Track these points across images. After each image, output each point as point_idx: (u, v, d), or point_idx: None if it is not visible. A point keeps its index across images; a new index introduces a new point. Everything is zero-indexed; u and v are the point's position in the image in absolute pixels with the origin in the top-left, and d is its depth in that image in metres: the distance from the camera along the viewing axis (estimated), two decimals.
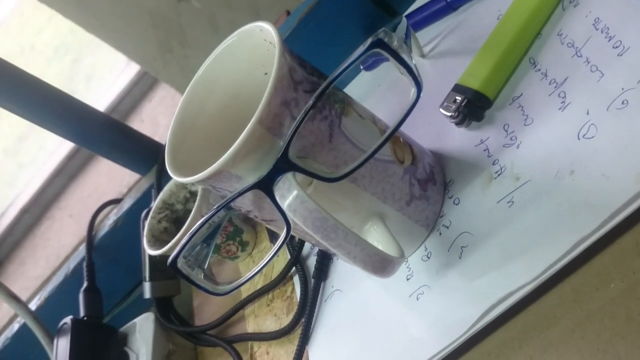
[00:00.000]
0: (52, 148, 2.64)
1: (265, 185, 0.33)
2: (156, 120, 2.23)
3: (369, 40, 0.31)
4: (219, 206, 0.35)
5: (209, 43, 0.41)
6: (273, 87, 0.32)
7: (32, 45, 3.41)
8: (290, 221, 0.34)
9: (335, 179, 0.34)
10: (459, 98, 0.42)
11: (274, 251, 0.35)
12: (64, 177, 2.57)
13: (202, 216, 0.35)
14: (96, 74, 2.88)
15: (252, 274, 0.36)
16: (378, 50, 0.31)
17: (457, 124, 0.43)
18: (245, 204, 0.37)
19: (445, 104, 0.43)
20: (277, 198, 0.33)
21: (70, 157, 2.54)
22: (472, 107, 0.42)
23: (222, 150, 0.33)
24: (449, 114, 0.42)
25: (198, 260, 0.41)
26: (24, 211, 2.62)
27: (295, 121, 0.32)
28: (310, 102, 0.32)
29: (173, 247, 0.51)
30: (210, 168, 0.33)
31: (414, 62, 0.31)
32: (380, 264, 0.34)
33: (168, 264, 0.36)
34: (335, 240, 0.33)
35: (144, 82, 2.40)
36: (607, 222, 0.32)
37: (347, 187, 0.37)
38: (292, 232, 0.36)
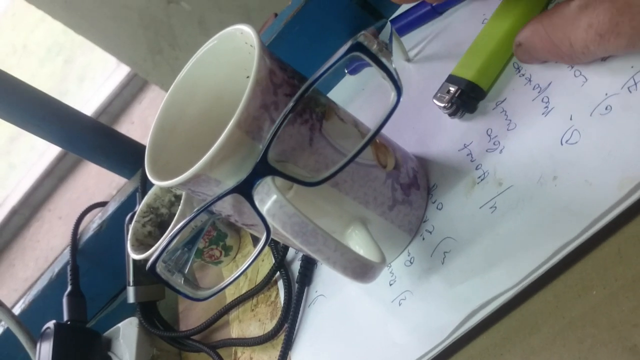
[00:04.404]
0: (42, 149, 2.63)
1: (244, 190, 0.33)
2: (146, 121, 2.22)
3: (348, 44, 0.30)
4: (198, 210, 0.34)
5: (199, 45, 0.41)
6: (252, 90, 0.32)
7: (25, 45, 3.40)
8: (270, 226, 0.34)
9: (314, 183, 0.33)
10: (452, 88, 0.41)
11: (253, 257, 0.35)
12: (53, 179, 2.56)
13: None
14: (88, 75, 2.87)
15: (232, 279, 0.36)
16: (357, 54, 0.30)
17: (450, 114, 0.42)
18: (225, 208, 0.37)
19: (439, 94, 0.42)
20: (257, 202, 0.33)
21: (60, 159, 2.53)
22: (466, 97, 0.41)
23: (203, 154, 0.32)
24: (442, 104, 0.41)
25: (178, 265, 0.40)
26: (14, 212, 2.61)
27: (275, 124, 0.32)
28: (290, 105, 0.31)
29: (156, 251, 0.51)
30: (188, 172, 0.32)
31: (394, 65, 0.31)
32: (361, 270, 0.34)
33: (147, 268, 0.35)
34: (314, 245, 0.33)
35: (134, 83, 2.39)
36: (589, 228, 0.31)
37: (329, 192, 0.36)
38: (274, 237, 0.36)
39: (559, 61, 0.35)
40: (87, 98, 2.54)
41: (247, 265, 0.35)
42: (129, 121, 2.32)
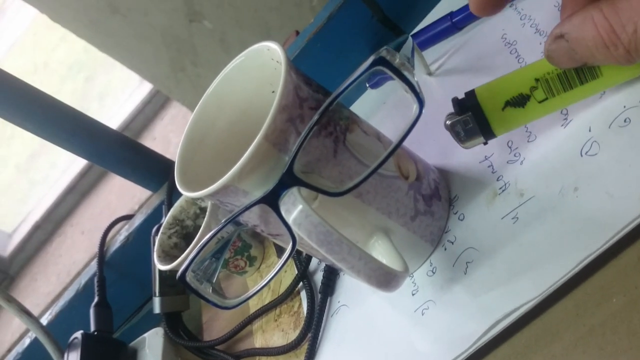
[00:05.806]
0: (64, 166, 2.67)
1: (271, 200, 0.34)
2: (168, 138, 2.25)
3: (371, 58, 0.31)
4: (227, 220, 0.35)
5: (221, 62, 0.42)
6: (279, 104, 0.33)
7: (46, 63, 3.44)
8: (295, 235, 0.35)
9: (339, 193, 0.34)
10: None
11: (280, 265, 0.36)
12: (76, 195, 2.59)
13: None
14: (109, 93, 2.90)
15: (258, 288, 0.37)
16: (380, 67, 0.31)
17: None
18: (252, 218, 0.38)
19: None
20: (283, 212, 0.34)
21: (82, 175, 2.56)
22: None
23: (230, 166, 0.33)
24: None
25: (207, 275, 0.41)
26: (36, 227, 2.64)
27: (300, 137, 0.33)
28: (315, 118, 0.33)
29: (182, 262, 0.52)
30: (217, 183, 0.33)
31: (416, 79, 0.32)
32: (384, 278, 0.35)
33: (177, 277, 0.36)
34: (339, 254, 0.34)
35: (156, 100, 2.42)
36: (611, 239, 0.32)
37: (352, 202, 0.37)
38: (298, 247, 0.36)
39: (607, 59, 0.30)
40: (109, 115, 2.57)
41: (275, 273, 0.36)
42: (151, 137, 2.35)
